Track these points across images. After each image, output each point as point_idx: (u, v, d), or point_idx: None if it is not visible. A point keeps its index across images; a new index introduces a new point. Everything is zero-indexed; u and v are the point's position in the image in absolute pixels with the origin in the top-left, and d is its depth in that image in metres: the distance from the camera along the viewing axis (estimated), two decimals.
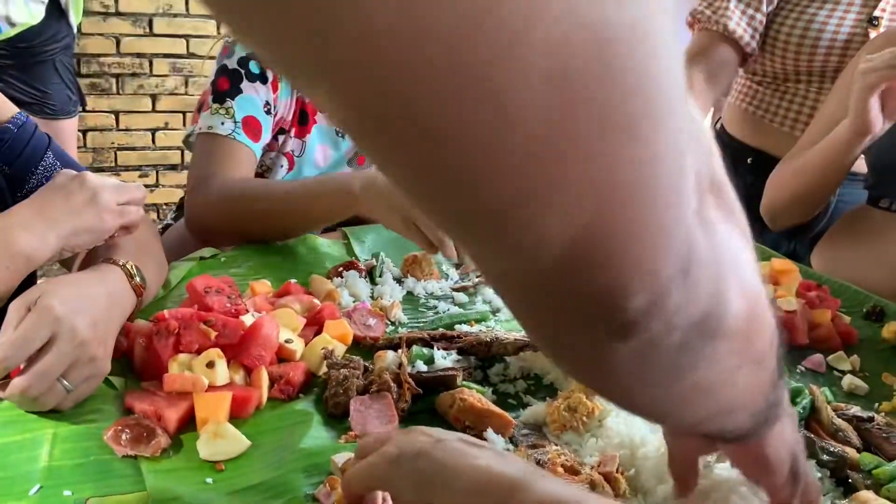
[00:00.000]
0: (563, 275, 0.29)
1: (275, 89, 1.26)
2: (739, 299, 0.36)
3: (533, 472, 0.51)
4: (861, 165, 1.51)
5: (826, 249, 1.44)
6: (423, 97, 0.23)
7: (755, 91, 1.68)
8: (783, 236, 1.51)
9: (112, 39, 3.13)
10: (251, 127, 1.21)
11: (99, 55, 3.12)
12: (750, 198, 1.57)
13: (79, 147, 3.11)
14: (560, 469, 0.73)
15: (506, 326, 1.06)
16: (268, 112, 1.26)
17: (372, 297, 1.07)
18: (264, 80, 1.25)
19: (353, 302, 1.03)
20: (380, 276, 1.12)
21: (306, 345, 0.89)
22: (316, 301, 0.98)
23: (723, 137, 1.77)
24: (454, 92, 0.23)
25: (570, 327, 0.34)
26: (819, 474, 0.80)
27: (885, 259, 1.31)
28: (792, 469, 0.58)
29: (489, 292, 1.14)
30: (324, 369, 0.86)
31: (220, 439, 0.74)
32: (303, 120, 1.34)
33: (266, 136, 1.26)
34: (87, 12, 2.93)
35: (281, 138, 1.33)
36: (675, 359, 0.35)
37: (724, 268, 0.35)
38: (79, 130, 3.02)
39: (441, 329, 0.99)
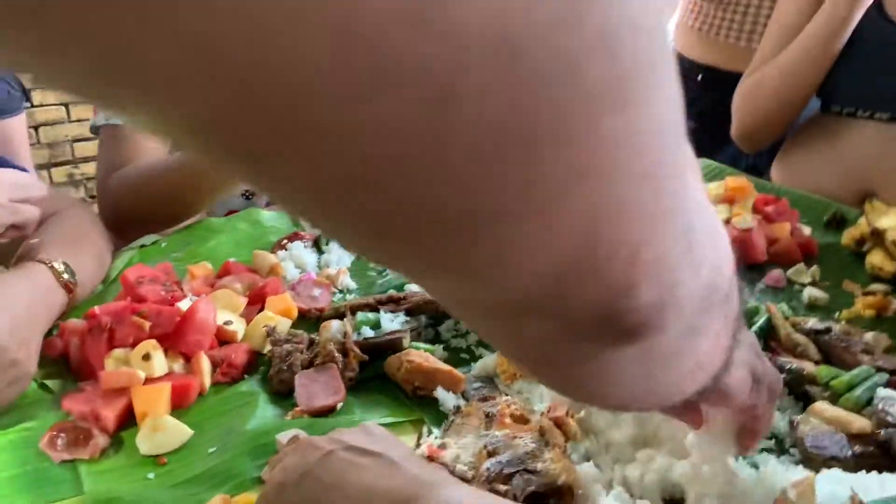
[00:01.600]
0: (552, 293, 0.24)
1: None
2: (726, 262, 0.32)
3: (430, 481, 0.49)
4: None
5: (784, 161, 1.42)
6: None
7: (700, 7, 1.64)
8: (737, 154, 1.49)
9: None
10: None
11: None
12: (700, 114, 1.55)
13: (32, 144, 3.04)
14: (509, 420, 0.71)
15: None
16: None
17: (319, 267, 1.04)
18: None
19: (300, 274, 1.00)
20: (326, 245, 1.09)
21: (249, 324, 0.87)
22: (258, 278, 0.95)
23: (678, 62, 1.73)
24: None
25: (562, 345, 0.29)
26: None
27: (842, 164, 1.29)
28: (753, 378, 0.56)
29: None
30: (268, 347, 0.84)
31: (160, 432, 0.72)
32: None
33: None
34: None
35: None
36: (685, 342, 0.31)
37: (709, 229, 0.30)
38: (30, 127, 2.95)
39: (390, 292, 0.97)
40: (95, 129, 1.20)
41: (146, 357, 0.77)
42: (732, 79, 1.47)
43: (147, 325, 0.81)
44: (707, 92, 1.62)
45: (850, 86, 1.29)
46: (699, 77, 1.65)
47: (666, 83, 0.23)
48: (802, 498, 0.58)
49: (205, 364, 0.80)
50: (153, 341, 0.79)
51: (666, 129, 0.23)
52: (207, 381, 0.80)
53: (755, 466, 0.70)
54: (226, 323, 0.85)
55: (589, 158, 0.21)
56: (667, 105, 0.23)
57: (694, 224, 0.27)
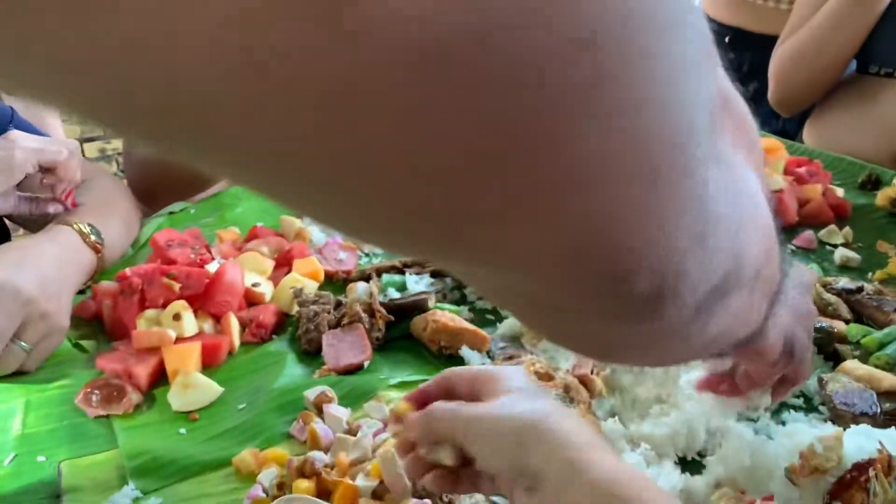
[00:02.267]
0: (553, 284, 0.24)
1: None
2: (757, 243, 0.31)
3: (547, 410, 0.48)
4: None
5: (817, 123, 1.39)
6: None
7: None
8: (772, 114, 1.46)
9: None
10: None
11: None
12: (734, 77, 1.52)
13: (64, 120, 3.08)
14: (534, 377, 0.72)
15: None
16: None
17: None
18: None
19: (326, 238, 1.01)
20: None
21: (276, 286, 0.88)
22: (285, 242, 0.96)
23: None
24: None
25: (573, 322, 0.29)
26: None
27: (878, 125, 1.26)
28: (786, 349, 0.56)
29: None
30: (296, 308, 0.85)
31: (191, 389, 0.73)
32: None
33: None
34: None
35: None
36: (693, 325, 0.31)
37: (741, 212, 0.29)
38: None
39: None
40: None
41: (177, 317, 0.79)
42: (761, 40, 1.44)
43: (177, 286, 0.82)
44: (735, 53, 1.58)
45: (885, 45, 1.25)
46: (726, 39, 1.61)
47: (673, 78, 0.21)
48: (829, 451, 0.58)
49: (234, 324, 0.81)
50: (183, 302, 0.80)
51: (670, 129, 0.21)
52: (237, 341, 0.81)
53: (783, 423, 0.70)
54: (254, 285, 0.86)
55: (571, 167, 0.20)
56: (672, 105, 0.21)
57: (717, 215, 0.26)
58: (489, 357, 0.79)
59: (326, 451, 0.65)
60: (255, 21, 0.15)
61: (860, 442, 0.62)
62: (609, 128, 0.19)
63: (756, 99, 1.45)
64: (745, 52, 1.51)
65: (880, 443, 0.60)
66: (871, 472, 0.56)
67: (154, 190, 1.11)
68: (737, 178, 0.28)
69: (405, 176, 0.19)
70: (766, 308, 0.39)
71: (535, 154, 0.19)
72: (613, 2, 0.18)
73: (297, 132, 0.18)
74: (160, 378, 0.76)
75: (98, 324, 0.85)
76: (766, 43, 1.40)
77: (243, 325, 0.83)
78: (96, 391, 0.72)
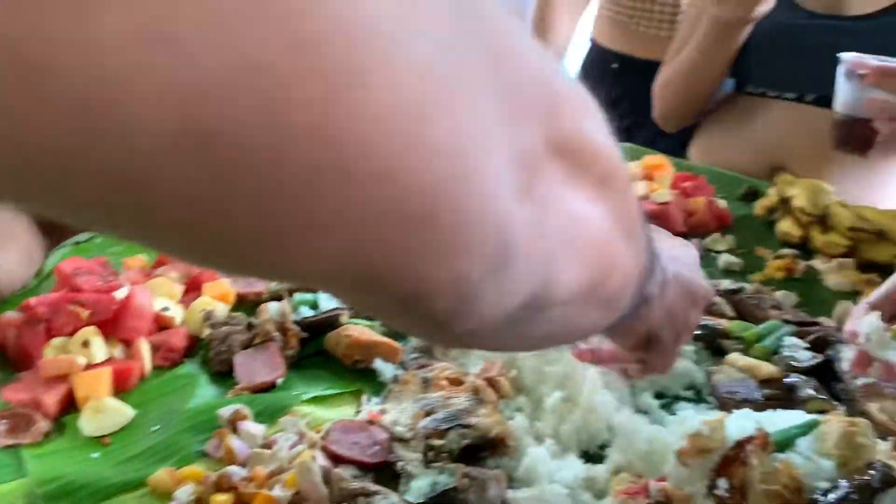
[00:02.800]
0: (360, 289, 0.27)
1: None
2: (576, 270, 0.34)
3: None
4: None
5: (701, 141, 1.49)
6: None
7: None
8: (657, 134, 1.56)
9: None
10: None
11: None
12: (618, 100, 1.61)
13: None
14: (444, 382, 0.75)
15: None
16: None
17: None
18: None
19: None
20: None
21: (187, 310, 0.88)
22: (193, 267, 0.97)
23: (592, 48, 1.81)
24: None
25: (409, 324, 0.34)
26: (695, 347, 0.84)
27: (755, 142, 1.36)
28: (644, 340, 0.61)
29: None
30: (206, 331, 0.85)
31: (102, 414, 0.73)
32: None
33: None
34: None
35: None
36: (509, 330, 0.34)
37: (558, 244, 0.32)
38: None
39: None
40: None
41: (85, 344, 0.78)
42: (647, 66, 1.54)
43: (85, 313, 0.82)
44: (623, 79, 1.69)
45: (759, 67, 1.37)
46: (615, 65, 1.72)
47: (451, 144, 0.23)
48: (713, 432, 0.63)
49: (144, 348, 0.81)
50: (92, 328, 0.80)
51: (447, 183, 0.23)
52: (148, 365, 0.81)
53: (675, 413, 0.75)
54: (163, 309, 0.86)
55: (319, 212, 0.22)
56: (455, 165, 0.23)
57: (520, 248, 0.28)
58: (402, 368, 0.82)
59: (243, 465, 0.67)
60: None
61: (742, 424, 0.68)
62: (368, 187, 0.21)
63: (648, 121, 1.55)
64: (633, 78, 1.62)
65: (758, 422, 0.66)
66: (750, 448, 0.61)
67: (56, 221, 1.09)
68: (558, 213, 0.31)
69: (202, 243, 0.22)
70: (609, 313, 0.43)
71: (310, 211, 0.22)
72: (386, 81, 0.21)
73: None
74: (70, 405, 0.75)
75: (2, 355, 0.83)
76: (652, 68, 1.50)
77: (154, 350, 0.82)
78: (3, 421, 0.71)
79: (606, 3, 1.75)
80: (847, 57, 1.11)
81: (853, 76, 1.11)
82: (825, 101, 1.24)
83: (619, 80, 1.70)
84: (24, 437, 0.70)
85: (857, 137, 1.14)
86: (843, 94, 1.13)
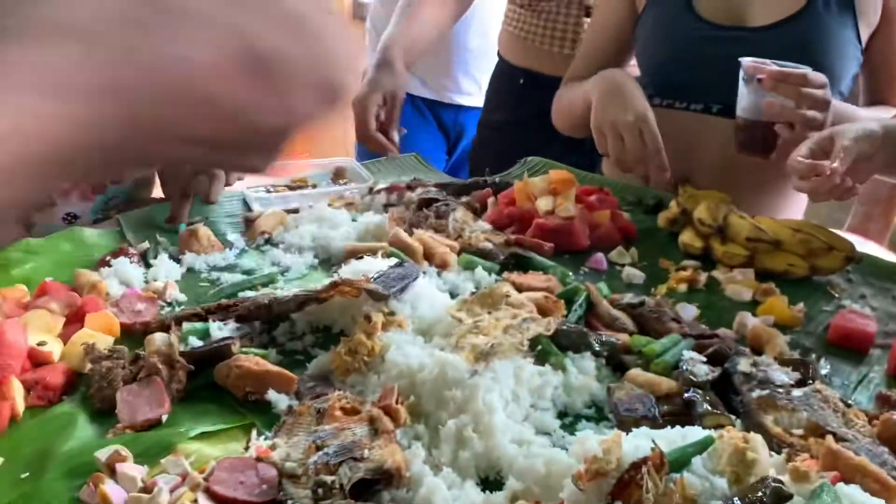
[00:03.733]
0: None
1: None
2: None
3: None
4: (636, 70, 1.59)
5: None
6: None
7: (518, 14, 1.71)
8: (567, 149, 1.58)
9: None
10: None
11: None
12: (528, 116, 1.61)
13: None
14: (339, 412, 0.72)
15: (295, 284, 1.03)
16: None
17: (146, 282, 1.01)
18: None
19: (123, 290, 0.96)
20: (154, 258, 1.06)
21: (66, 344, 0.82)
22: (77, 297, 0.91)
23: (500, 62, 1.81)
24: None
25: None
26: (595, 364, 0.83)
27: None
28: None
29: (277, 253, 1.11)
30: (88, 366, 0.80)
31: None
32: None
33: None
34: None
35: None
36: None
37: None
38: None
39: (221, 300, 0.95)
40: None
41: None
42: (552, 82, 1.55)
43: None
44: (530, 94, 1.70)
45: (665, 80, 1.39)
46: (521, 80, 1.73)
47: None
48: (608, 454, 0.62)
49: (16, 388, 0.75)
50: None
51: None
52: (21, 406, 0.75)
53: (573, 433, 0.74)
54: (39, 344, 0.80)
55: None
56: None
57: None
58: (298, 398, 0.78)
59: None
60: None
61: (639, 443, 0.67)
62: None
63: (558, 137, 1.56)
64: (539, 93, 1.63)
65: (653, 442, 0.65)
66: (644, 470, 0.60)
67: None
68: None
69: None
70: None
71: None
72: None
73: None
74: None
75: None
76: (555, 84, 1.52)
77: (28, 388, 0.77)
78: None
79: (509, 20, 1.76)
80: (746, 61, 1.14)
81: (752, 80, 1.14)
82: (731, 111, 1.27)
83: (525, 95, 1.71)
84: None
85: (758, 141, 1.17)
86: (744, 98, 1.17)
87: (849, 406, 0.77)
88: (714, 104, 1.31)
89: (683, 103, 1.34)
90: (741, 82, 1.16)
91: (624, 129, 1.21)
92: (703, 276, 1.07)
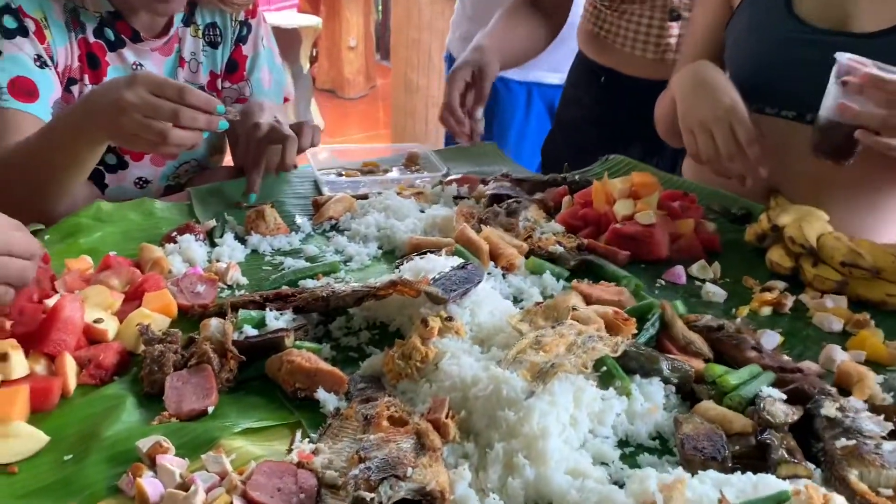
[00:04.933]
0: None
1: (41, 39, 1.14)
2: None
3: None
4: None
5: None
6: None
7: (598, 12, 1.63)
8: (650, 150, 1.50)
9: None
10: (22, 89, 1.11)
11: None
12: (609, 113, 1.54)
13: None
14: (386, 422, 0.69)
15: (357, 275, 1.00)
16: (42, 66, 1.14)
17: (209, 262, 1.00)
18: (25, 33, 1.13)
19: (188, 268, 0.96)
20: (220, 237, 1.05)
21: (123, 322, 0.82)
22: (139, 273, 0.91)
23: (580, 58, 1.74)
24: None
25: None
26: (664, 391, 0.78)
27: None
28: None
29: (342, 240, 1.09)
30: (141, 347, 0.79)
31: (12, 439, 0.67)
32: (93, 64, 1.22)
33: (50, 93, 1.15)
34: None
35: (75, 89, 1.21)
36: None
37: None
38: None
39: (284, 288, 0.93)
40: None
41: (3, 357, 0.72)
42: (635, 84, 1.47)
43: (8, 323, 0.76)
44: (612, 93, 1.63)
45: (755, 82, 1.29)
46: (602, 78, 1.65)
47: None
48: (669, 501, 0.57)
49: (69, 365, 0.75)
50: (13, 340, 0.74)
51: None
52: (72, 383, 0.75)
53: (637, 466, 0.69)
54: (96, 321, 0.80)
55: None
56: None
57: None
58: (347, 399, 0.76)
59: None
60: None
61: (705, 490, 0.62)
62: None
63: (640, 136, 1.49)
64: (619, 93, 1.56)
65: (721, 493, 0.59)
66: None
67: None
68: None
69: None
70: None
71: None
72: None
73: None
74: None
75: None
76: (640, 86, 1.44)
77: (81, 366, 0.77)
78: None
79: (590, 16, 1.67)
80: (842, 58, 1.04)
81: (840, 81, 1.04)
82: None
83: (607, 94, 1.63)
84: None
85: (834, 144, 1.07)
86: (829, 96, 1.07)
87: None
88: (808, 112, 1.21)
89: (774, 109, 1.25)
90: (831, 79, 1.06)
91: (714, 125, 1.13)
92: (789, 300, 0.99)
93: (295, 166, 1.23)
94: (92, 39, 1.20)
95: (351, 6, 5.33)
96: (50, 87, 1.14)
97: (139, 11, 1.22)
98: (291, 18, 4.82)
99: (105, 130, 1.01)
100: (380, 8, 5.94)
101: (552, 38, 1.59)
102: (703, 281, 1.05)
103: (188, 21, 1.30)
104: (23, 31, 1.12)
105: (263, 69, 1.40)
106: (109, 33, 1.21)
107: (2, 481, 0.64)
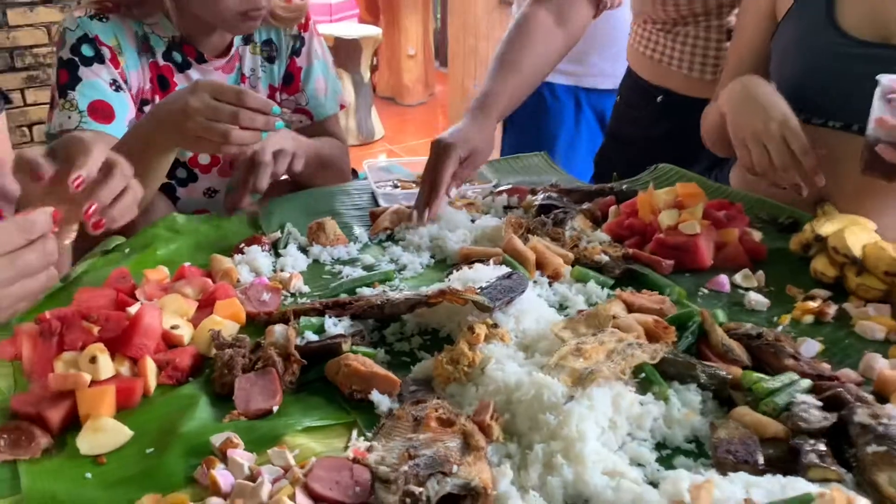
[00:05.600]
0: None
1: (116, 65, 1.24)
2: None
3: None
4: None
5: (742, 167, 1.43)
6: None
7: (650, 34, 1.63)
8: (708, 169, 1.52)
9: (43, 29, 3.06)
10: (100, 111, 1.20)
11: (31, 46, 3.06)
12: (666, 133, 1.55)
13: (27, 142, 3.09)
14: (434, 423, 0.74)
15: (410, 283, 1.06)
16: (117, 89, 1.24)
17: (274, 271, 1.07)
18: (101, 60, 1.22)
19: (254, 278, 1.03)
20: (284, 248, 1.12)
21: (196, 328, 0.90)
22: (210, 283, 0.98)
23: (633, 77, 1.75)
24: None
25: None
26: (701, 397, 0.81)
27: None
28: None
29: (396, 250, 1.15)
30: (213, 351, 0.86)
31: (101, 433, 0.75)
32: (163, 85, 1.31)
33: (126, 113, 1.24)
34: (12, 3, 2.87)
35: (147, 109, 1.30)
36: None
37: None
38: (24, 126, 2.99)
39: (342, 296, 1.00)
40: (51, 136, 1.23)
41: (93, 360, 0.80)
42: (687, 103, 1.49)
43: (96, 329, 0.84)
44: (669, 112, 1.64)
45: (805, 93, 1.30)
46: (658, 99, 1.66)
47: None
48: (696, 500, 0.61)
49: (150, 367, 0.83)
50: (100, 345, 0.82)
51: None
52: (153, 384, 0.83)
53: (673, 468, 0.73)
54: (172, 327, 0.88)
55: None
56: None
57: None
58: (399, 400, 0.81)
59: (226, 497, 0.67)
60: None
61: (734, 490, 0.65)
62: None
63: (693, 155, 1.51)
64: (676, 113, 1.59)
65: (747, 492, 0.63)
66: None
67: None
68: None
69: None
70: None
71: None
72: None
73: None
74: (72, 422, 0.77)
75: (18, 365, 0.86)
76: (695, 105, 1.46)
77: (160, 368, 0.84)
78: (4, 435, 0.74)
79: (640, 39, 1.66)
80: (885, 79, 1.05)
81: (885, 98, 1.05)
82: None
83: (664, 113, 1.64)
84: (24, 452, 0.73)
85: (882, 162, 1.08)
86: (873, 116, 1.08)
87: None
88: (855, 123, 1.21)
89: (821, 119, 1.26)
90: (875, 98, 1.07)
91: (766, 138, 1.15)
92: (832, 309, 1.01)
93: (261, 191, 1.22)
94: (161, 63, 1.29)
95: (410, 16, 5.42)
96: (125, 109, 1.23)
97: (208, 35, 1.30)
98: (352, 29, 4.93)
99: (172, 136, 1.08)
100: (438, 17, 6.02)
101: (568, 48, 1.50)
102: (747, 290, 1.07)
103: (247, 40, 1.38)
104: (99, 59, 1.22)
105: (319, 79, 1.47)
106: (177, 56, 1.30)
107: (93, 471, 0.72)
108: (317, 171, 1.36)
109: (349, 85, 4.78)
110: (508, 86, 1.35)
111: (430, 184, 1.21)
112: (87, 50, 1.21)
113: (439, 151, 1.22)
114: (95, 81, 1.21)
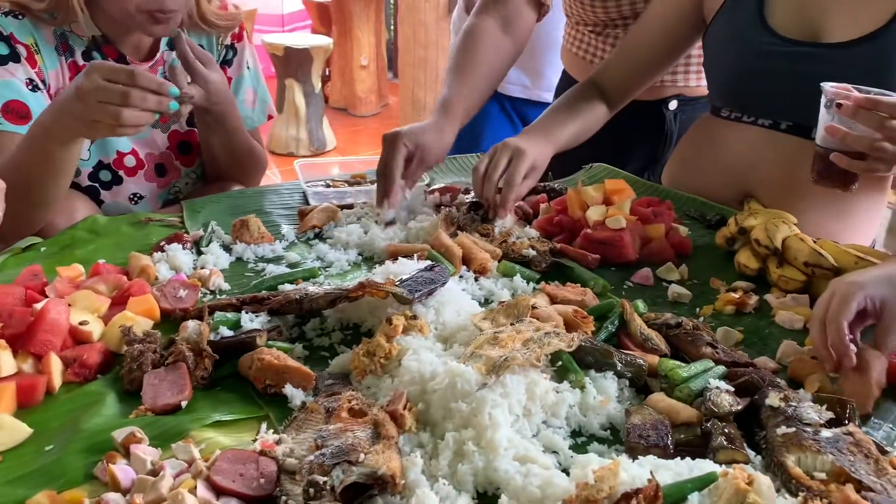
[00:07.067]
0: None
1: (33, 64, 1.21)
2: None
3: None
4: (701, 90, 1.53)
5: (673, 164, 1.45)
6: None
7: (583, 36, 1.65)
8: (644, 166, 1.53)
9: None
10: (15, 111, 1.17)
11: None
12: (598, 133, 1.56)
13: None
14: (345, 414, 0.73)
15: (335, 280, 1.05)
16: (34, 89, 1.20)
17: (195, 269, 1.05)
18: (17, 59, 1.19)
19: (171, 275, 1.01)
20: (206, 246, 1.10)
21: (107, 325, 0.87)
22: (125, 280, 0.96)
23: (567, 78, 1.76)
24: None
25: None
26: (618, 385, 0.81)
27: (724, 167, 1.32)
28: None
29: (323, 248, 1.13)
30: (124, 348, 0.84)
31: None
32: None
33: None
34: None
35: None
36: None
37: None
38: None
39: (263, 291, 0.98)
40: None
41: None
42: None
43: None
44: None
45: (733, 92, 1.33)
46: None
47: None
48: (602, 482, 0.61)
49: (55, 364, 0.80)
50: (1, 341, 0.79)
51: None
52: (58, 381, 0.80)
53: (584, 452, 0.72)
54: (81, 323, 0.85)
55: None
56: None
57: None
58: (314, 394, 0.80)
59: (126, 493, 0.65)
60: None
61: (641, 473, 0.65)
62: None
63: (630, 155, 1.52)
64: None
65: (651, 473, 0.63)
66: (634, 502, 0.59)
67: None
68: None
69: None
70: None
71: None
72: None
73: None
74: None
75: None
76: (630, 104, 1.48)
77: (66, 365, 0.82)
78: None
79: (574, 41, 1.67)
80: (828, 87, 1.06)
81: (832, 107, 1.06)
82: (799, 129, 1.20)
83: None
84: None
85: (837, 171, 1.08)
86: (821, 125, 1.08)
87: (885, 453, 0.72)
88: (783, 121, 1.24)
89: (751, 117, 1.28)
90: (822, 108, 1.08)
91: None
92: (753, 300, 1.02)
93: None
94: (81, 62, 1.26)
95: (363, 26, 5.42)
96: (42, 109, 1.20)
97: (127, 35, 1.27)
98: (303, 39, 4.91)
99: (69, 123, 1.05)
100: (392, 27, 6.03)
101: (515, 57, 1.53)
102: (670, 282, 1.08)
103: (174, 45, 1.36)
104: (15, 57, 1.18)
105: (248, 90, 1.45)
106: (97, 56, 1.27)
107: None
108: (228, 148, 1.35)
109: (300, 95, 4.75)
110: (465, 91, 1.38)
111: (382, 173, 1.24)
112: (1, 48, 1.18)
113: (386, 142, 1.26)
114: (11, 81, 1.18)
